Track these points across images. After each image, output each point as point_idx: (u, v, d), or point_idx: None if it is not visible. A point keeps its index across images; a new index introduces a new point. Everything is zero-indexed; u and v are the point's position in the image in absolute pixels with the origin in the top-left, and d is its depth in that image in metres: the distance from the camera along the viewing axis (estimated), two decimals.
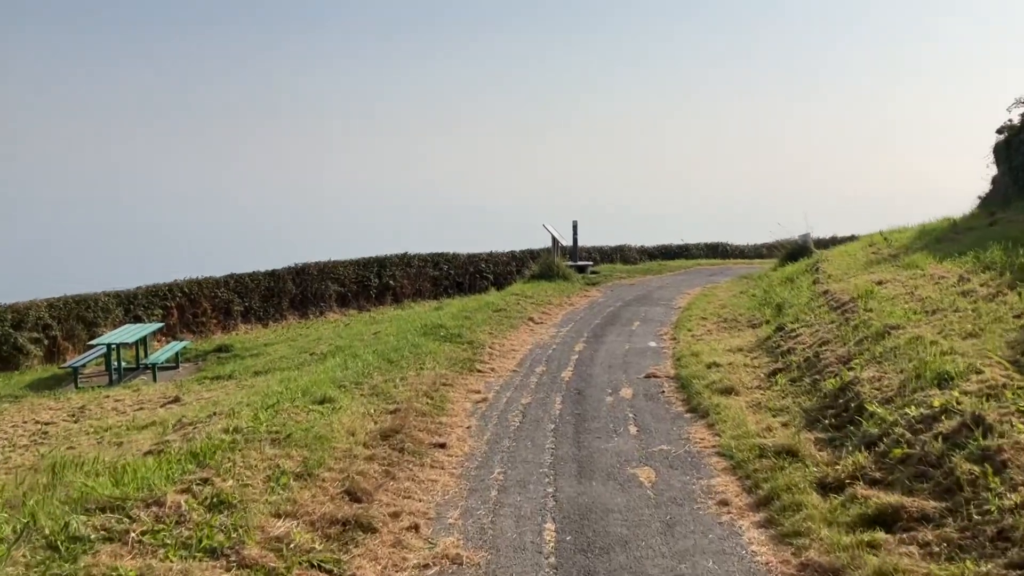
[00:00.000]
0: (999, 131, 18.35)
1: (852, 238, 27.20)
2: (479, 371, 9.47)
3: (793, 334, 9.55)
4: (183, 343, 16.60)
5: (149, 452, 5.70)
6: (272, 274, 21.66)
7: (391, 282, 23.72)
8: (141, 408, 10.85)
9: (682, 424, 7.00)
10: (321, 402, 7.20)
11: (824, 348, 8.07)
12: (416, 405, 7.35)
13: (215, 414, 7.05)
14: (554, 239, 21.12)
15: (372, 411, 7.07)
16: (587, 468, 5.82)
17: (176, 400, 10.84)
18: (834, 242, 25.83)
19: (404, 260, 24.26)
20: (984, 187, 18.75)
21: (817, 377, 7.30)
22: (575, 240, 22.01)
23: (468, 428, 7.01)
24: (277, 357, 14.47)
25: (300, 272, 22.21)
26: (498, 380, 9.04)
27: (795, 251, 19.21)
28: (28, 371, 16.45)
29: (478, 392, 8.40)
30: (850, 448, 5.31)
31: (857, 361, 7.04)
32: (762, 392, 7.64)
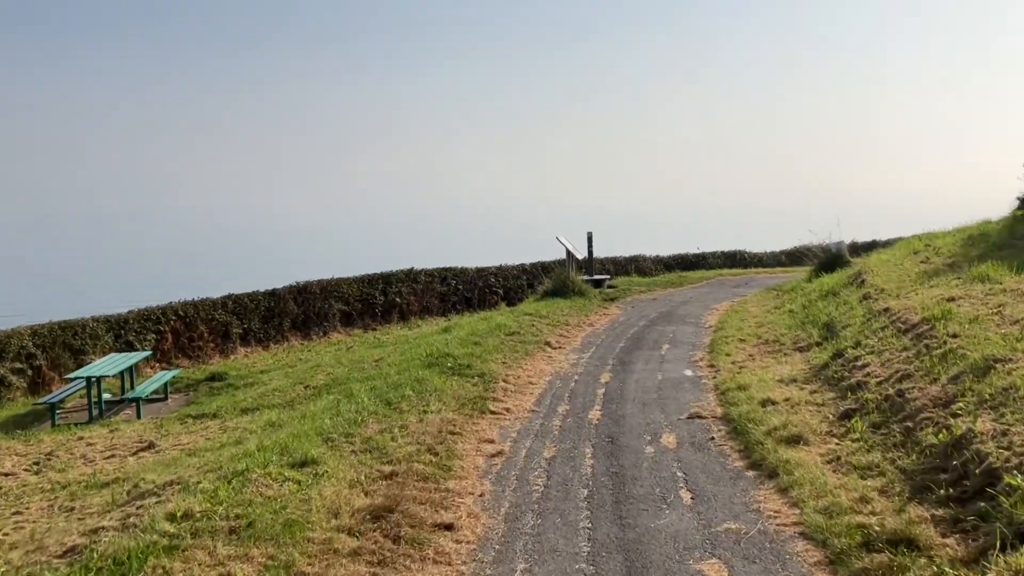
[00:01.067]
0: None
1: (874, 243, 25.73)
2: (492, 412, 8.14)
3: (857, 363, 8.19)
4: (172, 372, 15.36)
5: (68, 552, 4.42)
6: (272, 294, 20.42)
7: (397, 299, 22.46)
8: (112, 455, 9.60)
9: (746, 487, 5.66)
10: (302, 464, 5.92)
11: (907, 384, 6.71)
12: (417, 466, 6.03)
13: (172, 483, 5.77)
14: (568, 252, 19.82)
15: (362, 476, 5.76)
16: (637, 563, 4.48)
17: (150, 446, 9.57)
18: (856, 248, 24.38)
19: (410, 276, 23.00)
20: (1022, 187, 17.42)
21: (909, 424, 5.94)
22: (590, 252, 20.68)
23: (481, 496, 5.69)
24: (270, 389, 13.19)
25: (302, 291, 20.98)
26: (515, 424, 7.71)
27: (830, 260, 17.83)
28: (9, 405, 15.23)
29: (492, 442, 7.07)
30: (995, 542, 3.96)
31: (961, 405, 5.68)
32: (838, 442, 6.28)
